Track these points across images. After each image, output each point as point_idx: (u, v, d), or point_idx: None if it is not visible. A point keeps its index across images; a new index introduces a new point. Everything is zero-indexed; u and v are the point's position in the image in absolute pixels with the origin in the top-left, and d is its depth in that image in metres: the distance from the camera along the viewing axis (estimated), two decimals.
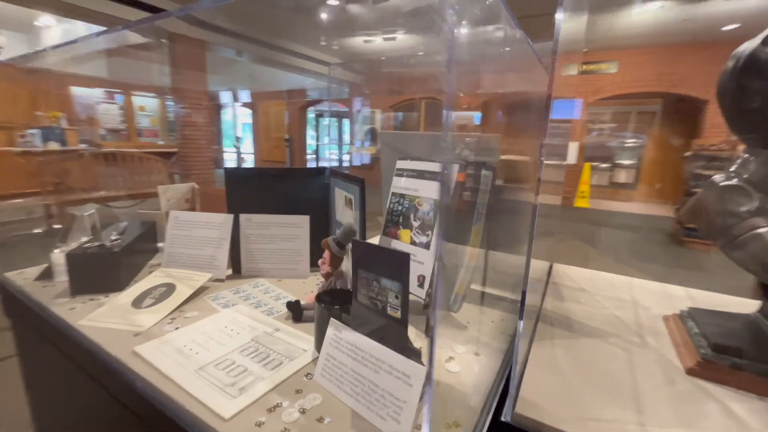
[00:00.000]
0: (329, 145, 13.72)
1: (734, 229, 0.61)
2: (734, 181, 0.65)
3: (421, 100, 8.67)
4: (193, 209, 1.23)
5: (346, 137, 11.00)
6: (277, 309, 0.88)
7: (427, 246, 0.80)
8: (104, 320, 0.80)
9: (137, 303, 0.87)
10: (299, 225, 1.07)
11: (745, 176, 0.66)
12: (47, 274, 1.00)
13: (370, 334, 0.57)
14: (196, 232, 1.06)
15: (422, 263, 0.81)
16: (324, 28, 5.94)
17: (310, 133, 11.49)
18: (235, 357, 0.68)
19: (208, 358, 0.67)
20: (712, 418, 0.55)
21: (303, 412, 0.55)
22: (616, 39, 6.38)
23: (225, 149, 12.61)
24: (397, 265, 0.51)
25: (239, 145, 12.30)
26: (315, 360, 0.67)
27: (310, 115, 11.39)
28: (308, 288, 1.00)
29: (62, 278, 0.97)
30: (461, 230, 0.76)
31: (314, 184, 1.12)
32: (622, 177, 7.79)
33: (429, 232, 0.80)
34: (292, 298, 0.88)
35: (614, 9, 5.14)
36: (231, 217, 1.05)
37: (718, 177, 0.69)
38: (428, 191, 0.83)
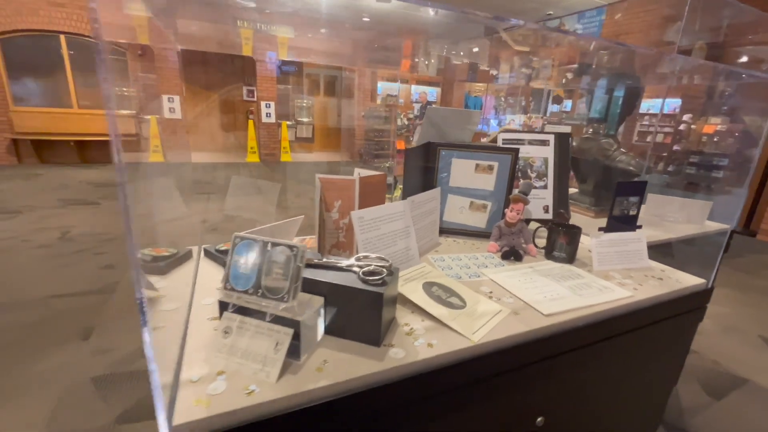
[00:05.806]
0: None
1: (613, 154, 1.58)
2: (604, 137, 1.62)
3: (58, 34, 5.96)
4: (329, 207, 0.91)
5: None
6: (494, 263, 1.07)
7: (545, 187, 1.29)
8: (476, 327, 0.74)
9: (449, 305, 0.79)
10: (436, 198, 1.16)
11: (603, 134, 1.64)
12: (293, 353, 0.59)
13: (619, 228, 1.08)
14: (384, 228, 0.91)
15: (544, 198, 1.29)
16: None
17: None
18: (588, 279, 0.95)
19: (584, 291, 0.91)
20: None
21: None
22: None
23: None
24: (638, 187, 1.05)
25: None
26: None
27: None
28: (455, 248, 1.18)
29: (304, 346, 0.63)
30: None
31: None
32: (304, 132, 9.38)
33: (545, 178, 1.29)
34: (475, 255, 1.11)
35: None
36: (408, 202, 0.98)
37: (592, 135, 1.65)
38: (537, 152, 1.28)
